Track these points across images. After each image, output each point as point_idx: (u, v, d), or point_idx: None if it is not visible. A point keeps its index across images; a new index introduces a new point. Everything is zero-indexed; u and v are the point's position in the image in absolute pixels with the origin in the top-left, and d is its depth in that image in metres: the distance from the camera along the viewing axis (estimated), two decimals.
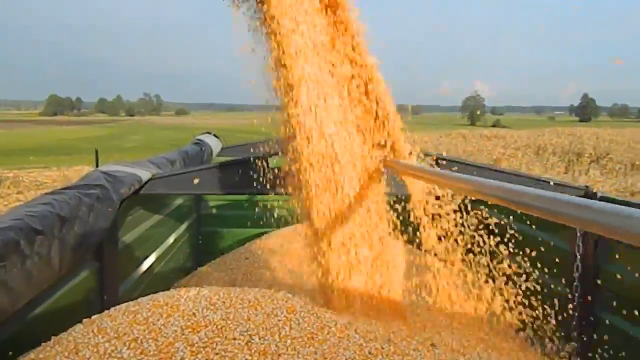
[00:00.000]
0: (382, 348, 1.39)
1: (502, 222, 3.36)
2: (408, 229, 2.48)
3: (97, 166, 2.86)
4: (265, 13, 1.85)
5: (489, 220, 3.33)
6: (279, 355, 1.23)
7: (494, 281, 3.32)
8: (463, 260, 2.80)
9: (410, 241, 2.37)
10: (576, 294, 2.82)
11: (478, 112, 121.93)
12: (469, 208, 2.65)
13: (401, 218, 2.43)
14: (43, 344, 1.43)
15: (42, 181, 17.01)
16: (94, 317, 1.48)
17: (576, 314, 2.80)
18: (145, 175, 2.68)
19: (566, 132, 30.28)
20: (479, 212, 3.15)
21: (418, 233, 2.34)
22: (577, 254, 2.78)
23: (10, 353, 1.47)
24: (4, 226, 1.49)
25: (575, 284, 2.82)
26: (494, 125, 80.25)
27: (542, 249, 3.02)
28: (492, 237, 3.12)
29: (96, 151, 3.22)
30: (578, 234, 2.77)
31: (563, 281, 2.89)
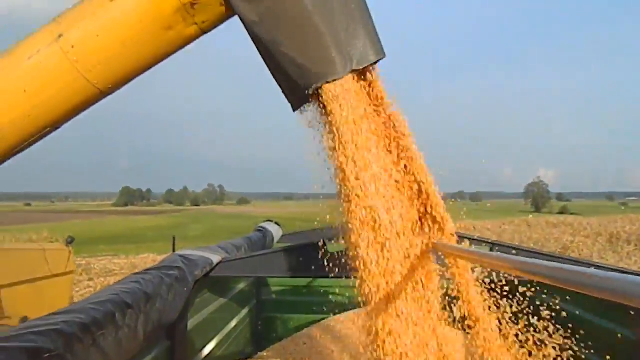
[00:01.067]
0: None
1: (561, 308, 3.30)
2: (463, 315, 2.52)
3: (174, 251, 3.16)
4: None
5: (545, 306, 3.28)
6: None
7: None
8: (521, 348, 2.75)
9: (465, 328, 2.40)
10: None
11: (542, 199, 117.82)
12: (523, 293, 2.68)
13: (455, 304, 2.49)
14: None
15: (111, 269, 18.01)
16: None
17: None
18: (215, 259, 2.94)
19: None
20: (535, 297, 3.12)
21: (471, 319, 2.37)
22: None
23: None
24: (104, 299, 1.75)
25: None
26: (561, 212, 76.99)
27: (606, 338, 2.92)
28: (551, 324, 3.06)
29: (173, 238, 3.55)
30: None
31: None
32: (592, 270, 0.82)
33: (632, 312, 2.69)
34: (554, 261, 2.86)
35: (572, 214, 64.60)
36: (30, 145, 2.14)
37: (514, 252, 3.07)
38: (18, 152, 2.15)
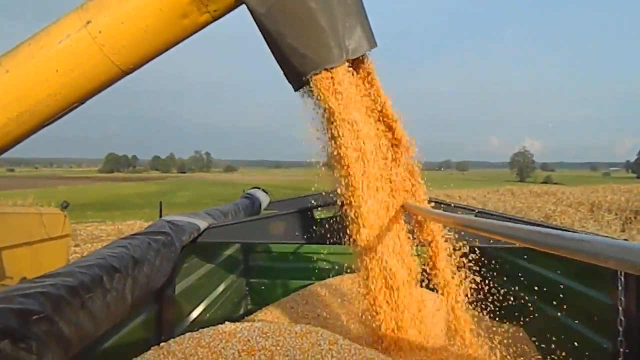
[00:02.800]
0: None
1: (538, 274, 3.39)
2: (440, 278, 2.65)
3: (160, 216, 3.17)
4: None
5: (523, 271, 3.38)
6: None
7: (534, 336, 3.33)
8: (497, 312, 2.86)
9: (438, 290, 2.55)
10: (621, 350, 2.78)
11: (527, 168, 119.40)
12: (503, 259, 2.76)
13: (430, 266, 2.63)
14: None
15: (98, 235, 17.93)
16: (162, 344, 1.69)
17: None
18: (203, 224, 2.95)
19: (622, 189, 29.00)
20: (512, 263, 3.21)
21: (443, 283, 2.52)
22: (620, 308, 2.77)
23: None
24: (91, 263, 1.76)
25: (619, 338, 2.79)
26: (545, 182, 78.21)
27: (583, 302, 3.02)
28: (527, 289, 3.17)
29: (160, 203, 3.56)
30: (620, 287, 2.77)
31: (607, 336, 2.86)
32: (565, 232, 0.84)
33: (607, 276, 2.78)
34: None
35: (555, 183, 65.68)
36: (60, 117, 2.36)
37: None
38: (49, 124, 2.36)
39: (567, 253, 0.79)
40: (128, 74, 2.37)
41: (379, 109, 2.52)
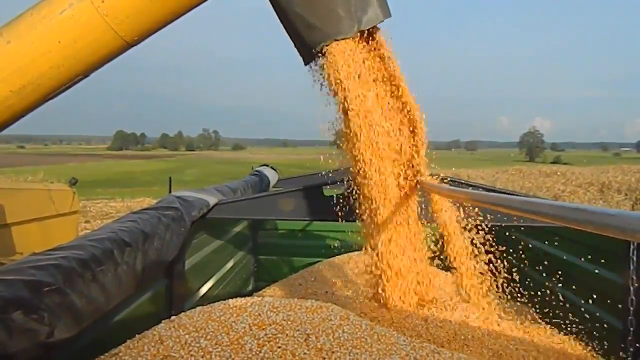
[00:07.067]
0: (428, 356, 1.51)
1: (549, 253, 3.37)
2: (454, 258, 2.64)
3: (170, 192, 3.17)
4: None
5: (535, 250, 3.36)
6: (333, 352, 1.39)
7: (543, 314, 3.32)
8: (506, 290, 2.86)
9: (450, 265, 2.55)
10: (631, 329, 2.77)
11: (537, 148, 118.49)
12: (513, 237, 2.74)
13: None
14: (129, 340, 1.65)
15: (107, 212, 18.16)
16: (173, 317, 1.70)
17: (631, 349, 2.75)
18: (212, 200, 2.95)
19: (633, 169, 28.72)
20: (523, 241, 3.18)
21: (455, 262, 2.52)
22: (631, 287, 2.75)
23: (98, 349, 1.70)
24: (102, 237, 1.76)
25: (630, 318, 2.78)
26: (554, 162, 77.62)
27: (594, 282, 3.01)
28: (538, 268, 3.16)
29: (170, 179, 3.57)
30: (631, 267, 2.74)
31: (617, 315, 2.85)
32: (590, 207, 0.81)
33: (618, 256, 2.76)
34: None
35: (565, 163, 65.17)
36: (63, 91, 2.30)
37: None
38: (52, 98, 2.30)
39: (593, 228, 0.76)
40: (133, 45, 2.29)
41: (392, 83, 2.45)
